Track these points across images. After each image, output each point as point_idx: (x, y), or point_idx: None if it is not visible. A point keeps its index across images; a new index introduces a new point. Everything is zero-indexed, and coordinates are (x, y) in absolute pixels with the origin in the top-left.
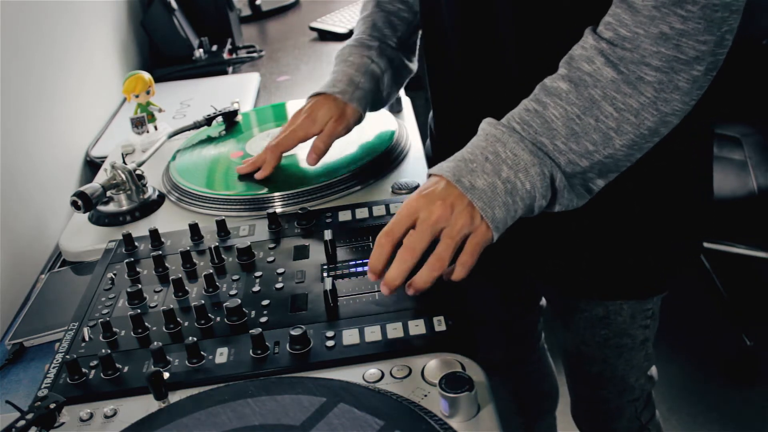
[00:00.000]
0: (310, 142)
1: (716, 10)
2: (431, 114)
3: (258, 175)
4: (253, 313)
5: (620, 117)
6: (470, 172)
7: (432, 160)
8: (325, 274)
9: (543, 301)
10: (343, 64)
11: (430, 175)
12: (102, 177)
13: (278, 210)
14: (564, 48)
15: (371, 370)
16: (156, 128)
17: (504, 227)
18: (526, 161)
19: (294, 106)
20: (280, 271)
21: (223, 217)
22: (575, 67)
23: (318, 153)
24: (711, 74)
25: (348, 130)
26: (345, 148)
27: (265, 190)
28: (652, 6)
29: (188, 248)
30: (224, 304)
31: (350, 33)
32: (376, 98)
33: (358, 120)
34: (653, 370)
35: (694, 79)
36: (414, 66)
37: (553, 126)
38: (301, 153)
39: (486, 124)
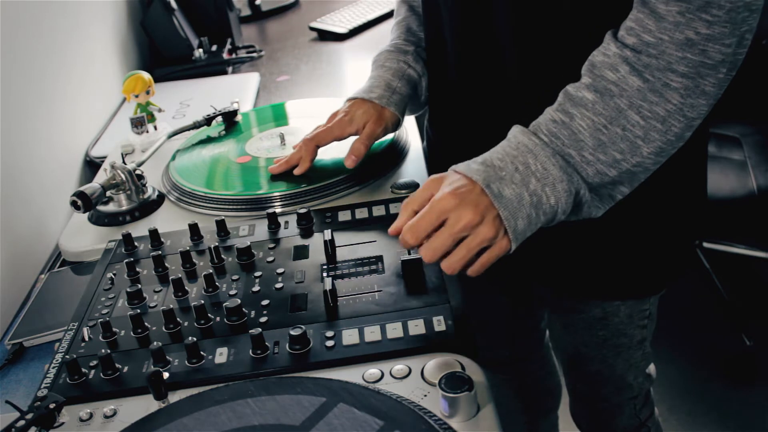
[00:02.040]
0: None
1: (739, 11)
2: (427, 115)
3: (297, 171)
4: (253, 313)
5: (647, 125)
6: (499, 180)
7: (429, 160)
8: (324, 274)
9: None
10: (380, 69)
11: (453, 171)
12: (102, 177)
13: (278, 210)
14: (563, 52)
15: (371, 370)
16: (156, 128)
17: (523, 239)
18: (555, 176)
19: (294, 106)
20: (280, 271)
21: (223, 217)
22: (599, 75)
23: (357, 155)
24: (732, 74)
25: (386, 132)
26: (345, 148)
27: (258, 190)
28: (677, 12)
29: (188, 248)
30: (224, 304)
31: (350, 33)
32: (414, 102)
33: (397, 124)
34: (651, 369)
35: (720, 83)
36: None
37: (581, 137)
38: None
39: (518, 132)
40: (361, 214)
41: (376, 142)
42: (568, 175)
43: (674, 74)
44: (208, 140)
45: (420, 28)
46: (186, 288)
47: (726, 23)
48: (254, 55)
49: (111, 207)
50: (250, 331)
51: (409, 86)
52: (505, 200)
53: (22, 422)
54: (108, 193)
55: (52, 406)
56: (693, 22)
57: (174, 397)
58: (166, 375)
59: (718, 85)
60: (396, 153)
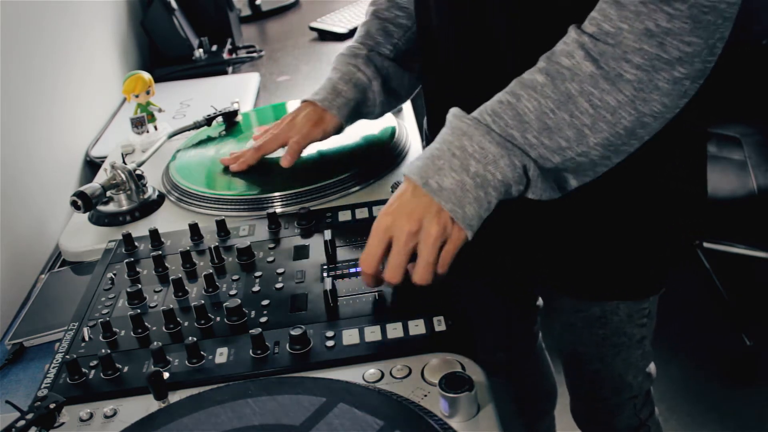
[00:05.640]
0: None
1: (705, 11)
2: (425, 119)
3: (232, 167)
4: (253, 313)
5: (596, 114)
6: (437, 171)
7: None
8: (325, 274)
9: (540, 302)
10: (332, 72)
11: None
12: (102, 177)
13: (278, 210)
14: None
15: (371, 370)
16: (156, 128)
17: (479, 222)
18: (494, 153)
19: (294, 106)
20: (280, 271)
21: (223, 217)
22: (554, 60)
23: (291, 155)
24: (698, 82)
25: (325, 135)
26: (345, 148)
27: (258, 190)
28: (639, 1)
29: (188, 248)
30: (224, 304)
31: (350, 33)
32: (364, 107)
33: (338, 127)
34: (652, 368)
35: (675, 80)
36: (417, 74)
37: (525, 119)
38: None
39: (452, 116)
40: (361, 214)
41: (376, 138)
42: (507, 150)
43: (629, 65)
44: (209, 140)
45: (378, 32)
46: (186, 288)
47: (687, 19)
48: (254, 55)
49: (111, 207)
50: (250, 331)
51: (357, 90)
52: (446, 192)
53: (22, 422)
54: (108, 193)
55: (52, 406)
56: (654, 14)
57: (174, 397)
58: (166, 375)
59: (672, 83)
60: (396, 153)
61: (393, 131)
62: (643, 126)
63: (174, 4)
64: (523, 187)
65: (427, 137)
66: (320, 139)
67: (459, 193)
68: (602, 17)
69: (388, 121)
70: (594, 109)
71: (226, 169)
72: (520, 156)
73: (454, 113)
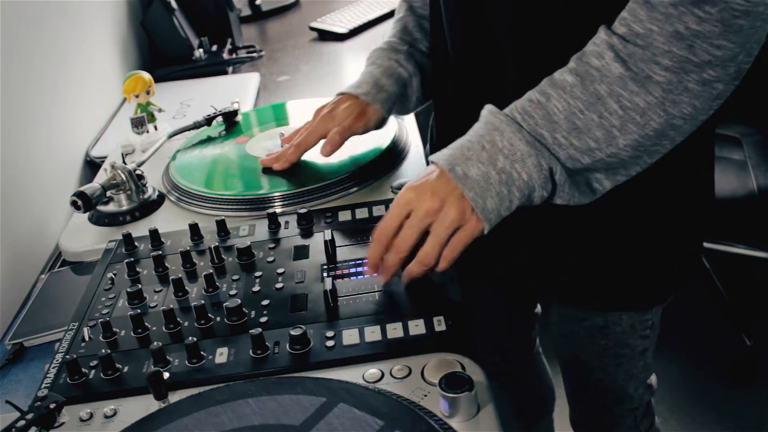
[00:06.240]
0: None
1: (736, 15)
2: (432, 117)
3: (275, 166)
4: (253, 313)
5: (625, 115)
6: (465, 161)
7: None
8: (325, 274)
9: (538, 308)
10: (372, 66)
11: (430, 163)
12: (102, 177)
13: (278, 210)
14: (564, 54)
15: (371, 370)
16: (156, 128)
17: (497, 218)
18: (522, 152)
19: (294, 106)
20: (280, 271)
21: (223, 217)
22: (584, 61)
23: (332, 145)
24: (732, 84)
25: (367, 129)
26: (345, 148)
27: (258, 190)
28: (670, 3)
29: (188, 248)
30: (224, 304)
31: (350, 33)
32: (403, 102)
33: (380, 122)
34: (653, 379)
35: (704, 82)
36: None
37: (555, 119)
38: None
39: (487, 112)
40: (361, 214)
41: (376, 145)
42: (536, 150)
43: (658, 66)
44: (209, 140)
45: (416, 28)
46: (186, 288)
47: (717, 23)
48: (254, 55)
49: (111, 207)
50: (250, 331)
51: (398, 85)
52: (470, 181)
53: (22, 422)
54: (108, 193)
55: (52, 406)
56: (684, 16)
57: (174, 397)
58: (166, 375)
59: (702, 84)
60: (396, 153)
61: (393, 131)
62: (674, 128)
63: (174, 4)
64: (547, 193)
65: (432, 140)
66: (361, 133)
67: (483, 184)
68: (632, 18)
69: (388, 121)
70: (623, 110)
71: (266, 170)
72: (548, 158)
73: (488, 109)
